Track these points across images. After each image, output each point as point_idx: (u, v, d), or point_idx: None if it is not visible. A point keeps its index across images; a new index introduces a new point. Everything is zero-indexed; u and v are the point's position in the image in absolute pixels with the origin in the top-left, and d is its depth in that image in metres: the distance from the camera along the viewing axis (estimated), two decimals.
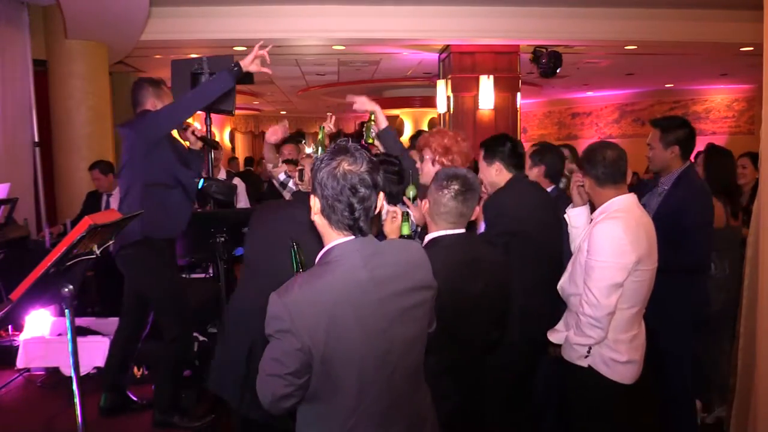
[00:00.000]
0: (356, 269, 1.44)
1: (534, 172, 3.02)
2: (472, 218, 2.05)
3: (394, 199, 2.53)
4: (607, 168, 2.19)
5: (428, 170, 2.59)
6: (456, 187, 1.95)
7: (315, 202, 1.47)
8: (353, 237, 1.47)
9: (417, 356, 1.58)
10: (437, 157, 2.56)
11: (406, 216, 2.25)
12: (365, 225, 1.45)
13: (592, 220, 2.31)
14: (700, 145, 3.41)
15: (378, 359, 1.46)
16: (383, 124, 2.95)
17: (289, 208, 2.34)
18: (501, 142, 2.64)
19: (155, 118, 2.92)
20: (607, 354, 2.16)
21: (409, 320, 1.52)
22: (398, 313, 1.48)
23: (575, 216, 2.41)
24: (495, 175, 2.59)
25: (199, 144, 3.21)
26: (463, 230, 2.03)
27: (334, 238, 1.47)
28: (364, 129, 3.06)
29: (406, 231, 2.22)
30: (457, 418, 2.01)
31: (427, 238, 2.06)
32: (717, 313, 3.16)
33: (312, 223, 1.52)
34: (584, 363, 2.19)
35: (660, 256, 2.23)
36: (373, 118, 2.97)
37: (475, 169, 2.62)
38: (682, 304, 2.64)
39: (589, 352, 2.17)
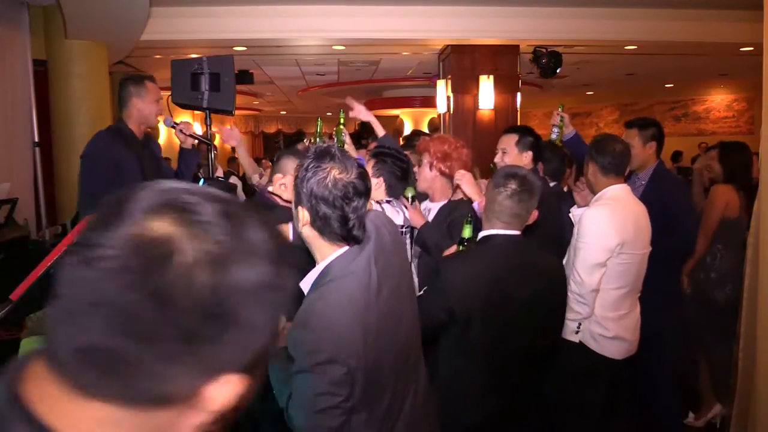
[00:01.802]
0: (364, 275, 1.39)
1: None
2: (529, 221, 1.99)
3: (393, 193, 2.55)
4: (614, 159, 2.39)
5: (425, 175, 2.63)
6: (513, 186, 1.92)
7: (303, 214, 1.37)
8: (345, 248, 1.39)
9: (417, 323, 1.59)
10: (435, 162, 2.58)
11: (468, 219, 2.25)
12: (359, 233, 1.38)
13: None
14: (694, 145, 3.44)
15: (403, 346, 1.47)
16: (381, 132, 2.99)
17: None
18: (534, 134, 2.86)
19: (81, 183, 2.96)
20: (595, 330, 2.34)
21: (409, 294, 1.55)
22: (400, 295, 1.49)
23: (579, 215, 2.49)
24: (525, 163, 2.76)
25: (190, 141, 3.23)
26: (517, 232, 1.97)
27: (327, 252, 1.39)
28: (334, 133, 3.06)
29: (467, 234, 2.21)
30: (496, 419, 1.99)
31: (481, 234, 2.03)
32: (723, 309, 3.15)
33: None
34: (576, 338, 2.37)
35: (654, 244, 2.41)
36: (342, 122, 2.97)
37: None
38: (666, 283, 2.78)
39: (579, 327, 2.34)
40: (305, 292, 1.46)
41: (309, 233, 1.40)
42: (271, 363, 1.45)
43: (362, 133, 4.41)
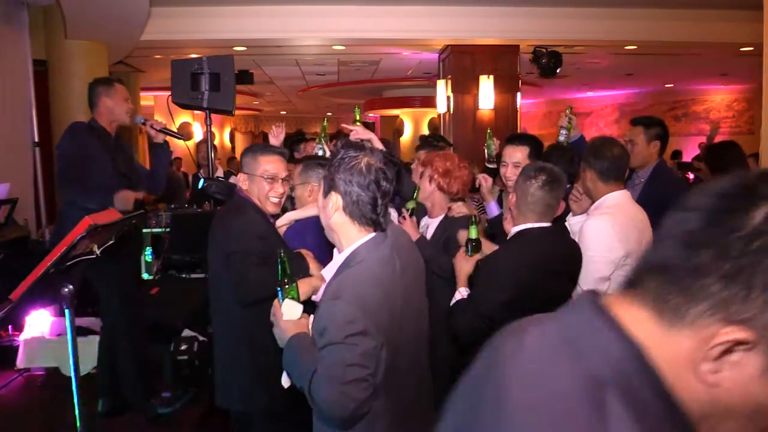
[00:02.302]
0: (390, 261, 1.47)
1: None
2: (558, 212, 2.06)
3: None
4: (613, 164, 2.27)
5: (425, 187, 2.68)
6: (544, 177, 1.98)
7: (337, 200, 1.45)
8: (373, 234, 1.48)
9: (427, 320, 1.67)
10: (435, 176, 2.63)
11: (473, 220, 2.25)
12: (384, 220, 1.49)
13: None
14: (694, 145, 3.45)
15: (417, 339, 1.56)
16: (379, 147, 3.00)
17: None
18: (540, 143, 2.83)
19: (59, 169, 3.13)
20: None
21: (423, 289, 1.66)
22: (419, 288, 1.61)
23: (576, 224, 2.47)
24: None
25: (161, 136, 3.27)
26: (549, 224, 2.04)
27: (355, 237, 1.47)
28: (322, 135, 3.15)
29: (474, 234, 2.20)
30: None
31: (514, 230, 2.07)
32: None
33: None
34: None
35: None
36: (358, 118, 3.02)
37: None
38: None
39: None
40: (326, 279, 1.52)
41: (339, 219, 1.47)
42: (289, 348, 1.50)
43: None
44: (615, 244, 2.15)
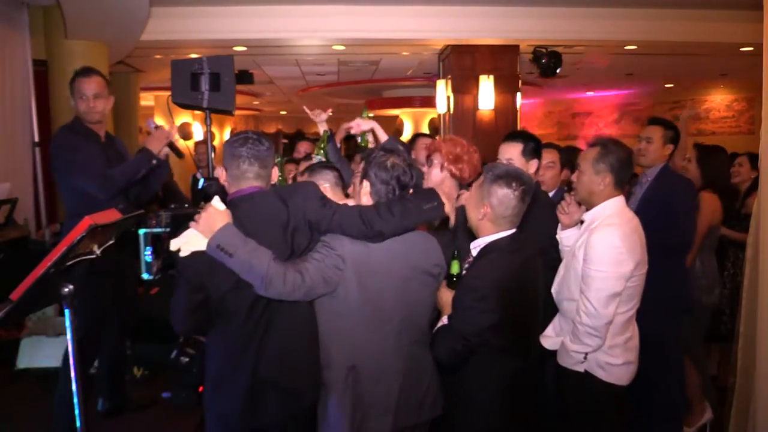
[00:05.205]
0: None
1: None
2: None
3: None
4: (630, 170, 2.28)
5: (435, 175, 2.57)
6: (523, 187, 1.98)
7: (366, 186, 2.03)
8: None
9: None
10: (446, 164, 2.53)
11: (455, 255, 2.20)
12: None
13: (582, 222, 2.30)
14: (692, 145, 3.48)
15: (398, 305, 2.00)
16: (384, 137, 2.99)
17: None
18: (536, 139, 2.74)
19: (69, 172, 2.92)
20: (603, 359, 2.16)
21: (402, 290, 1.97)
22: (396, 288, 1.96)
23: (567, 237, 2.41)
24: (531, 172, 2.59)
25: (165, 151, 3.21)
26: (515, 230, 2.05)
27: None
28: (321, 145, 3.17)
29: (455, 270, 2.14)
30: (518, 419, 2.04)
31: (484, 242, 2.04)
32: (712, 312, 3.16)
33: None
34: (581, 368, 2.19)
35: (649, 239, 2.24)
36: (327, 134, 3.09)
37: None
38: (663, 288, 2.57)
39: (585, 358, 2.17)
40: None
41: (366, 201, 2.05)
42: None
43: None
44: (624, 257, 2.08)
